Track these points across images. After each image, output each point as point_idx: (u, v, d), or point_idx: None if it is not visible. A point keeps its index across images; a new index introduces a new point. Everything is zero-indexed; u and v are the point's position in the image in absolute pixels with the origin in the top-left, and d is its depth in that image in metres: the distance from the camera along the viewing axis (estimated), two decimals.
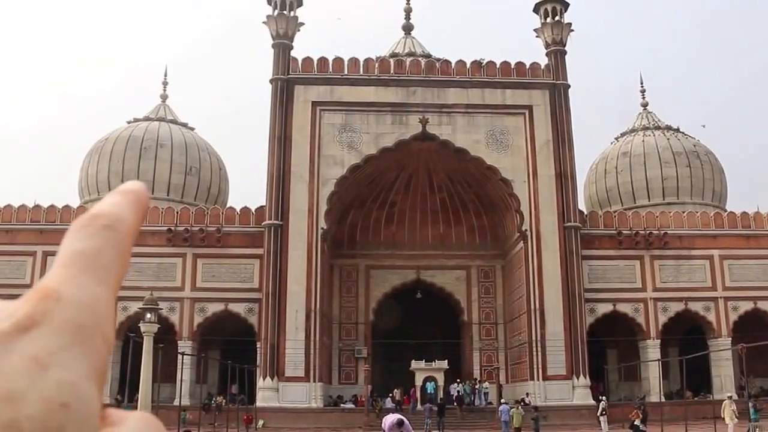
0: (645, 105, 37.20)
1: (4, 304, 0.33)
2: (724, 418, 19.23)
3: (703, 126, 43.38)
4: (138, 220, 0.36)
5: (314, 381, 25.84)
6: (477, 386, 28.31)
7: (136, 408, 18.93)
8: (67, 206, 29.15)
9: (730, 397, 20.40)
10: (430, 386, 26.87)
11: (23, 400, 0.29)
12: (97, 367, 0.31)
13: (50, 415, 0.29)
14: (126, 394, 24.85)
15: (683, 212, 30.38)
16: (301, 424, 24.30)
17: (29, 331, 0.30)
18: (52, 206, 28.85)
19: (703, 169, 33.77)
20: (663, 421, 22.07)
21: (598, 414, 23.30)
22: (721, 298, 29.02)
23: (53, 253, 27.66)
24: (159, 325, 20.13)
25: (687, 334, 29.83)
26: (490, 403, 27.32)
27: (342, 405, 27.47)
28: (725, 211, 32.00)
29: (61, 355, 0.30)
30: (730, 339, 28.05)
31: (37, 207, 28.81)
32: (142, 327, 19.46)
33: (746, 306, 29.08)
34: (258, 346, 26.48)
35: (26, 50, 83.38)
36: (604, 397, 24.34)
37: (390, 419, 8.40)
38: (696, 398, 27.89)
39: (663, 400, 25.28)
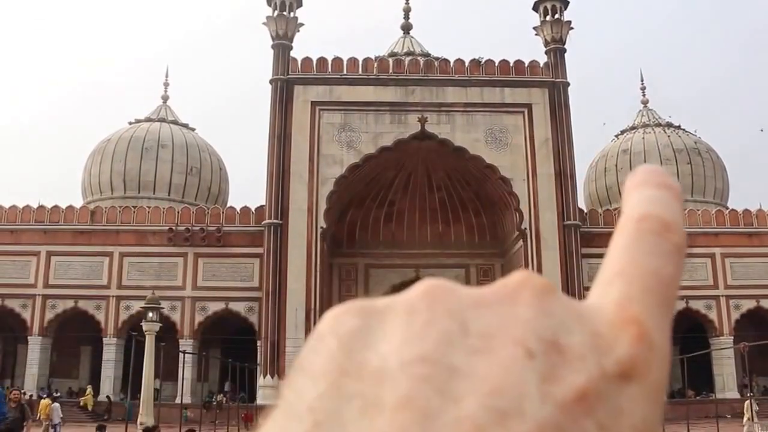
0: (645, 102, 37.09)
1: (581, 309, 0.27)
2: (748, 418, 18.70)
3: (762, 130, 42.08)
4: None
5: None
6: None
7: (138, 406, 19.15)
8: (70, 206, 29.48)
9: (751, 397, 20.08)
10: None
11: None
12: None
13: None
14: (128, 392, 25.13)
15: (684, 210, 30.22)
16: None
17: (629, 384, 0.25)
18: (56, 206, 29.17)
19: (705, 167, 33.62)
20: (664, 421, 21.96)
21: None
22: (722, 296, 28.88)
23: (57, 253, 28.24)
24: (161, 324, 20.45)
25: (688, 333, 29.71)
26: None
27: None
28: (727, 208, 31.81)
29: (649, 426, 0.25)
30: (732, 338, 27.92)
31: (41, 207, 29.13)
32: (145, 326, 19.74)
33: (749, 304, 28.93)
34: (258, 344, 26.67)
35: (28, 51, 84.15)
36: None
37: None
38: (698, 397, 27.81)
39: (664, 399, 25.23)
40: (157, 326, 19.89)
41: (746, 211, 30.22)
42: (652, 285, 0.27)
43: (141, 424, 17.68)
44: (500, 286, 0.27)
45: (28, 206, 29.16)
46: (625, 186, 0.31)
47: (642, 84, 37.59)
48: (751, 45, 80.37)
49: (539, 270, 27.36)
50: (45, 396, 25.63)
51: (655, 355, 0.26)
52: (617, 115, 69.97)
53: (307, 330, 26.41)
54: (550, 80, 29.01)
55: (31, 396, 26.08)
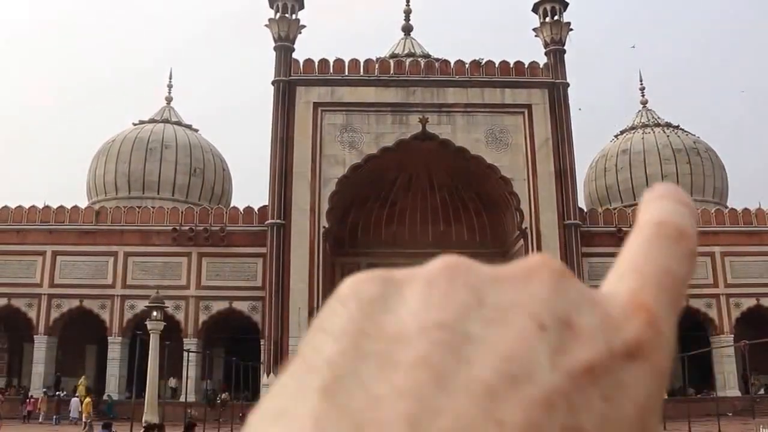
0: (644, 102, 37.26)
1: (594, 294, 0.28)
2: None
3: (633, 47, 41.00)
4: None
5: None
6: None
7: (143, 404, 19.41)
8: (75, 207, 29.75)
9: None
10: None
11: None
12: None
13: None
14: (134, 390, 25.38)
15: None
16: None
17: (634, 362, 0.26)
18: (61, 207, 29.44)
19: (704, 166, 33.76)
20: (665, 419, 22.22)
21: None
22: (722, 295, 29.00)
23: (62, 253, 28.52)
24: (165, 323, 20.70)
25: (688, 331, 29.85)
26: None
27: None
28: (726, 207, 31.96)
29: (650, 403, 0.26)
30: (733, 336, 28.04)
31: (46, 208, 29.40)
32: (149, 325, 19.99)
33: (749, 303, 29.05)
34: (262, 343, 26.91)
35: (34, 52, 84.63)
36: None
37: None
38: (698, 395, 27.94)
39: (665, 397, 25.36)
40: (161, 325, 20.13)
41: (746, 210, 30.37)
42: (664, 281, 0.29)
43: (146, 422, 17.95)
44: (518, 265, 0.29)
45: (33, 206, 29.44)
46: (644, 197, 0.33)
47: (641, 84, 37.82)
48: (754, 42, 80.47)
49: None
50: (52, 394, 26.00)
51: (661, 341, 0.27)
52: (617, 114, 70.16)
53: None
54: (550, 81, 29.24)
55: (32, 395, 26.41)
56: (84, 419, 19.70)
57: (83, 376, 27.62)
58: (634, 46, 31.20)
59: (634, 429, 0.25)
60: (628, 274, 0.29)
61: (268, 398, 0.25)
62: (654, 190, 0.33)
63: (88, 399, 21.28)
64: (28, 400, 25.52)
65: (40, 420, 24.65)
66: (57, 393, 26.64)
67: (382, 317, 0.27)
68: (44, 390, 25.98)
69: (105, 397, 26.29)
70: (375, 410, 0.23)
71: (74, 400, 24.65)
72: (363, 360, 0.25)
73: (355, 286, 0.29)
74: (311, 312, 26.79)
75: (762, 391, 28.12)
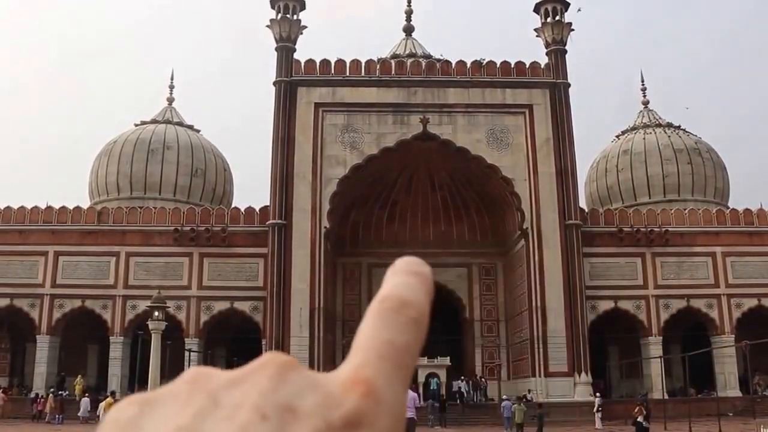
0: (646, 103, 37.22)
1: (319, 377, 0.33)
2: None
3: (687, 108, 41.03)
4: (428, 309, 0.36)
5: None
6: (482, 383, 28.61)
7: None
8: (78, 207, 29.86)
9: None
10: (433, 382, 27.20)
11: None
12: None
13: None
14: (135, 390, 25.45)
15: (685, 209, 30.39)
16: None
17: (356, 431, 0.30)
18: (63, 207, 29.53)
19: (705, 166, 33.71)
20: (666, 418, 22.18)
21: (594, 411, 23.51)
22: (723, 295, 28.96)
23: (64, 253, 28.61)
24: (166, 323, 20.74)
25: (689, 332, 29.82)
26: (492, 399, 27.62)
27: None
28: (727, 208, 31.92)
29: None
30: (734, 336, 27.99)
31: (49, 208, 29.50)
32: (151, 325, 20.00)
33: (750, 303, 29.00)
34: (263, 343, 26.96)
35: (36, 51, 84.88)
36: (598, 394, 24.56)
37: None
38: (699, 395, 27.90)
39: (666, 397, 25.36)
40: (162, 325, 20.14)
41: (747, 211, 30.33)
42: (385, 352, 0.32)
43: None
44: (251, 365, 0.34)
45: (36, 207, 29.54)
46: (385, 275, 0.37)
47: (642, 85, 37.78)
48: (757, 42, 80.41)
49: (541, 268, 27.59)
50: (56, 394, 26.12)
51: (382, 408, 0.31)
52: (616, 113, 70.03)
53: (311, 329, 26.69)
54: (551, 81, 29.26)
55: (38, 393, 26.50)
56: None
57: (80, 375, 27.74)
58: (579, 10, 30.28)
59: None
60: (354, 353, 0.33)
61: None
62: (393, 266, 0.38)
63: (110, 399, 21.41)
64: (39, 400, 25.67)
65: (47, 419, 24.82)
66: (60, 392, 26.73)
67: None
68: (51, 390, 26.12)
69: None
70: None
71: (85, 400, 24.94)
72: None
73: (116, 411, 0.34)
74: (312, 312, 26.86)
75: None
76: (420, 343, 0.34)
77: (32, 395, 26.60)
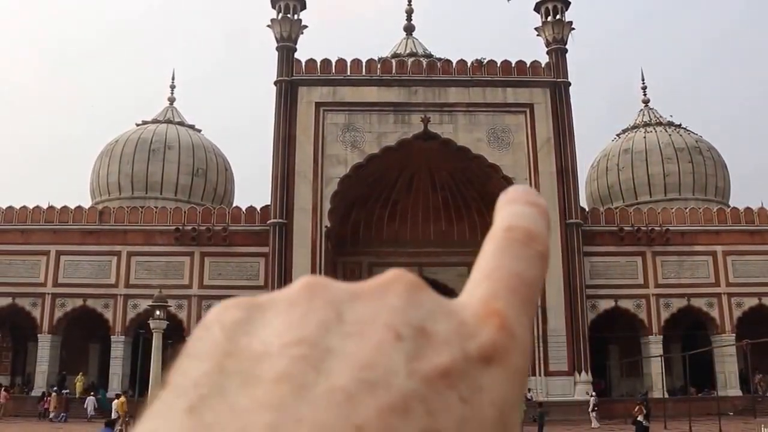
0: (646, 101, 37.17)
1: (450, 303, 0.30)
2: None
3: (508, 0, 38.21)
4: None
5: None
6: None
7: (145, 403, 19.51)
8: (79, 207, 29.92)
9: None
10: None
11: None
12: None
13: None
14: (136, 389, 25.54)
15: (685, 208, 30.39)
16: None
17: (490, 366, 0.27)
18: (65, 207, 29.60)
19: (706, 165, 33.66)
20: (666, 417, 22.21)
21: (590, 410, 23.54)
22: (724, 294, 28.95)
23: (66, 253, 28.67)
24: (168, 322, 20.79)
25: (689, 331, 29.83)
26: None
27: None
28: (728, 206, 31.87)
29: (510, 403, 0.28)
30: (734, 335, 28.00)
31: (50, 208, 29.57)
32: (152, 324, 20.06)
33: (751, 302, 28.98)
34: None
35: (39, 49, 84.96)
36: (593, 393, 24.59)
37: None
38: (700, 394, 27.93)
39: (666, 396, 25.40)
40: (164, 324, 20.19)
41: (748, 209, 30.30)
42: (515, 285, 0.30)
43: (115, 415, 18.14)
44: (375, 281, 0.30)
45: (38, 207, 29.61)
46: (497, 203, 0.34)
47: (643, 83, 37.76)
48: (756, 41, 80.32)
49: None
50: (58, 392, 26.34)
51: (515, 344, 0.28)
52: (616, 112, 70.17)
53: None
54: (552, 80, 29.28)
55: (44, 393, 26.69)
56: (122, 418, 19.63)
57: (80, 374, 27.84)
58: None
59: (495, 428, 0.26)
60: (481, 283, 0.30)
61: (140, 423, 0.26)
62: (506, 194, 0.35)
63: (123, 398, 21.49)
64: (46, 398, 25.85)
65: (50, 418, 25.06)
66: (62, 391, 26.88)
67: (246, 338, 0.28)
68: (55, 389, 26.31)
69: (98, 395, 26.63)
70: (238, 423, 0.24)
71: (90, 399, 25.22)
72: (227, 379, 0.26)
73: (218, 312, 0.30)
74: None
75: None
76: (543, 279, 0.32)
77: (38, 394, 26.77)
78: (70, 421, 24.46)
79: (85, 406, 24.97)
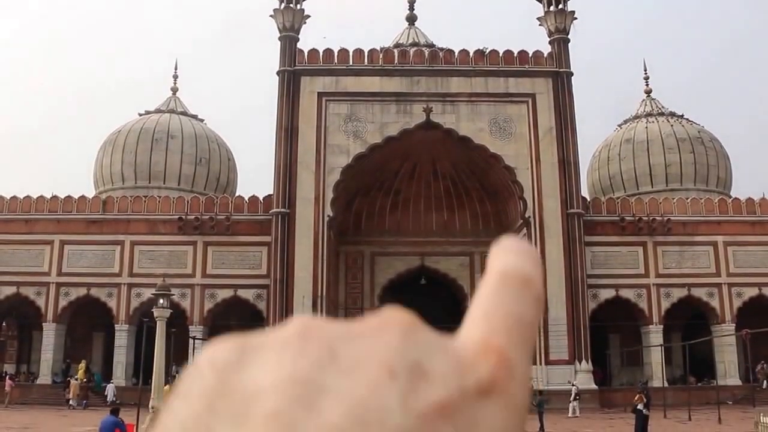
0: (648, 92, 37.06)
1: (446, 341, 0.30)
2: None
3: None
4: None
5: None
6: None
7: (149, 390, 19.76)
8: (82, 196, 30.05)
9: None
10: None
11: None
12: None
13: None
14: (140, 377, 25.79)
15: (687, 198, 30.42)
16: None
17: (488, 399, 0.27)
18: (68, 197, 29.73)
19: (708, 155, 33.64)
20: (666, 406, 22.41)
21: (571, 399, 23.68)
22: (725, 284, 29.05)
23: (70, 242, 28.83)
24: (171, 311, 20.96)
25: (690, 320, 29.96)
26: None
27: None
28: (730, 197, 31.91)
29: None
30: (734, 325, 28.14)
31: (54, 197, 29.70)
32: (155, 312, 20.19)
33: (751, 292, 29.09)
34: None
35: (42, 46, 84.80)
36: (575, 382, 24.74)
37: None
38: (699, 384, 28.12)
39: (666, 385, 25.58)
40: (167, 313, 20.31)
41: (749, 200, 30.34)
42: (513, 324, 0.30)
43: (152, 408, 18.29)
44: (370, 320, 0.30)
45: (41, 196, 29.74)
46: (491, 252, 0.35)
47: (645, 73, 37.64)
48: (759, 31, 79.86)
49: (543, 257, 27.71)
50: (78, 380, 26.93)
51: (515, 378, 0.29)
52: (618, 102, 69.98)
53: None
54: (554, 70, 29.24)
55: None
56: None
57: (83, 361, 28.13)
58: None
59: None
60: (479, 322, 0.30)
61: None
62: (498, 244, 0.35)
63: (167, 387, 21.89)
64: (66, 388, 26.52)
65: (71, 404, 25.68)
66: (67, 379, 27.22)
67: (237, 378, 0.28)
68: (75, 377, 26.80)
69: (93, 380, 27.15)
70: None
71: (110, 386, 25.85)
72: (216, 419, 0.26)
73: (211, 352, 0.29)
74: (315, 301, 27.09)
75: None
76: (538, 322, 0.32)
77: (68, 382, 27.26)
78: (90, 408, 24.94)
79: (105, 393, 25.75)
